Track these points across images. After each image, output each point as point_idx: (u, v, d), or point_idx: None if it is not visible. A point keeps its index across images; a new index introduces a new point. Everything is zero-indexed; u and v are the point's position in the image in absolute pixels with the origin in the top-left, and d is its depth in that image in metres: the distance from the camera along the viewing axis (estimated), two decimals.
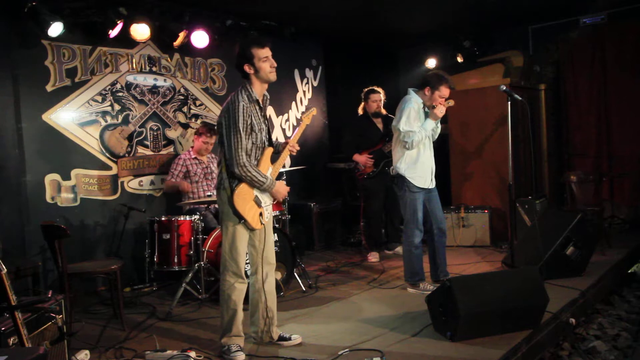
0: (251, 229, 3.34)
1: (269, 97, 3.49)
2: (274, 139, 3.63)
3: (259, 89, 3.33)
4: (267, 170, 3.39)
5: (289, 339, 3.50)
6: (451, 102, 4.52)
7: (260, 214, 3.33)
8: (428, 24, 7.08)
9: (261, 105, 3.36)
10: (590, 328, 4.12)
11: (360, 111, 6.06)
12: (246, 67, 3.28)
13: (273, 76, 3.30)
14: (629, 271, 5.42)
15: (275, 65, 3.31)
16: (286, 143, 3.55)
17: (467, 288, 3.34)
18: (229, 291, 3.34)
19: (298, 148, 3.60)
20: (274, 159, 3.50)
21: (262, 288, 3.46)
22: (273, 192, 3.35)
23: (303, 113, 3.75)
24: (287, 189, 3.47)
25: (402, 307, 4.14)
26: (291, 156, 7.05)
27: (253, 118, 3.25)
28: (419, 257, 4.51)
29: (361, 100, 6.10)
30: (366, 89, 6.01)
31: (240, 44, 3.35)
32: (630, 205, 6.85)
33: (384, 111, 5.94)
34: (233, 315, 3.34)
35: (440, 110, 4.37)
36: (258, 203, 3.32)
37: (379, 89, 5.96)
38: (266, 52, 3.27)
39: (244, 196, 3.27)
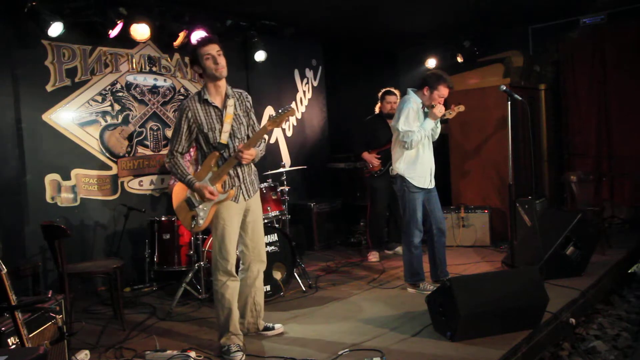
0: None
1: (242, 94, 3.43)
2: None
3: (212, 90, 3.32)
4: (207, 174, 3.31)
5: (272, 328, 3.70)
6: (461, 108, 4.54)
7: (193, 217, 3.33)
8: (428, 24, 7.08)
9: (214, 105, 3.29)
10: (590, 328, 4.12)
11: (376, 110, 6.07)
12: (195, 68, 3.31)
13: (219, 72, 3.24)
14: (629, 271, 5.42)
15: (221, 61, 3.23)
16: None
17: (467, 288, 3.34)
18: (222, 290, 3.38)
19: (248, 156, 3.27)
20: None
21: (253, 284, 3.59)
22: (194, 190, 3.29)
23: (272, 117, 3.37)
24: (211, 190, 3.24)
25: (402, 307, 4.14)
26: (291, 156, 7.18)
27: (201, 118, 3.27)
28: (419, 257, 4.51)
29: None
30: (383, 90, 6.01)
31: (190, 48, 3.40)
32: (630, 205, 6.84)
33: None
34: (229, 314, 3.38)
35: (440, 110, 4.37)
36: (190, 205, 3.33)
37: (396, 91, 5.96)
38: (209, 49, 3.22)
39: (176, 194, 3.42)
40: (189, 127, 3.29)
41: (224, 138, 3.30)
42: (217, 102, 3.32)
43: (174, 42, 5.58)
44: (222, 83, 3.32)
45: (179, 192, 3.40)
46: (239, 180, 3.38)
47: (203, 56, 3.21)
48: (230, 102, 3.34)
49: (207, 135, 3.28)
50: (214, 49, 3.23)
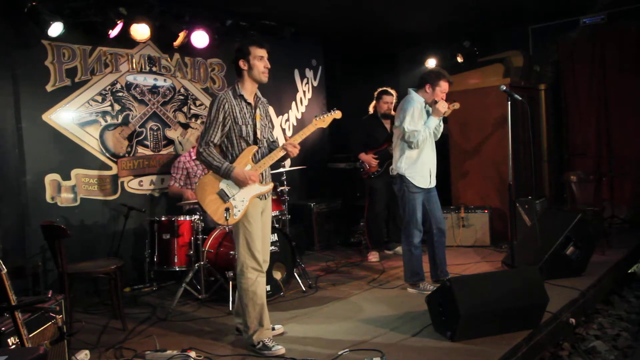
0: (220, 223, 3.35)
1: (263, 100, 3.50)
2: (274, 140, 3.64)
3: (249, 88, 3.37)
4: (245, 167, 3.33)
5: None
6: (457, 105, 4.57)
7: (227, 209, 3.29)
8: (428, 24, 7.08)
9: (248, 102, 3.37)
10: (590, 328, 4.12)
11: (370, 110, 6.06)
12: (241, 63, 3.34)
13: (265, 77, 3.35)
14: (629, 271, 5.42)
15: (269, 67, 3.35)
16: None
17: (467, 288, 3.34)
18: (253, 287, 3.37)
19: (297, 149, 3.41)
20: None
21: None
22: (232, 178, 3.27)
23: (319, 116, 3.52)
24: (252, 174, 3.29)
25: (402, 307, 4.14)
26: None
27: (236, 111, 3.31)
28: (419, 257, 4.51)
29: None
30: (380, 89, 6.00)
31: (241, 41, 3.46)
32: (630, 205, 6.85)
33: (393, 113, 5.93)
34: (261, 310, 3.39)
35: (442, 106, 4.40)
36: (223, 197, 3.31)
37: (392, 91, 5.96)
38: (263, 52, 3.33)
39: (204, 187, 3.32)
40: (224, 119, 3.28)
41: (258, 134, 3.38)
42: (250, 100, 3.39)
43: (174, 42, 5.58)
44: (256, 85, 3.41)
45: (207, 184, 3.31)
46: (265, 177, 3.46)
47: (257, 56, 3.29)
48: (259, 103, 3.44)
49: (241, 128, 3.31)
50: (265, 53, 3.33)
